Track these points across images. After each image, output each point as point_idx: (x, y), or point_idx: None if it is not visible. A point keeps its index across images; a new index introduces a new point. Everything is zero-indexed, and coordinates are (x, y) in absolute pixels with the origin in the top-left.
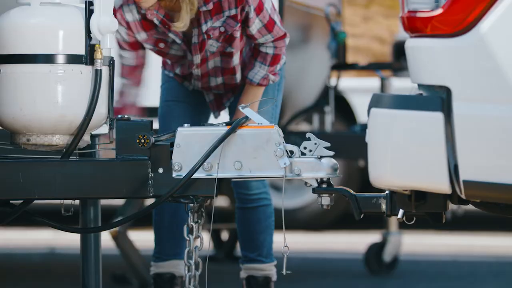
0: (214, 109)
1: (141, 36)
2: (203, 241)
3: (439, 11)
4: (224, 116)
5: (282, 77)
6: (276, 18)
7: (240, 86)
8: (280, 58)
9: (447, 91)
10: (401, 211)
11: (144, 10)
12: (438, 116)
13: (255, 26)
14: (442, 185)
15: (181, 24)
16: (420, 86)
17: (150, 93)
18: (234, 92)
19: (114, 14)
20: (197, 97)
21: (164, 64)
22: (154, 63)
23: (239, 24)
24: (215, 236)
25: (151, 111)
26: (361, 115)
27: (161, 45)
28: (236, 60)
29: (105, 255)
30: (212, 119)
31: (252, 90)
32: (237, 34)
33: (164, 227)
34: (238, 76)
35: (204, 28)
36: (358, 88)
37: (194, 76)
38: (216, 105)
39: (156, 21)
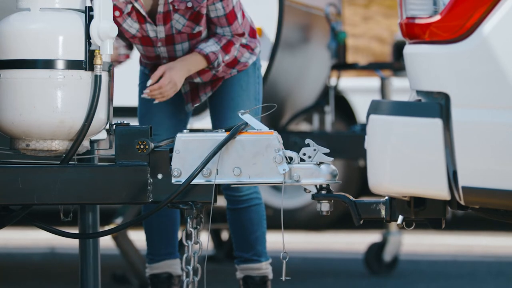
0: (188, 100)
1: None
2: (202, 247)
3: (437, 17)
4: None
5: (259, 70)
6: (239, 16)
7: (219, 81)
8: (232, 48)
9: (445, 97)
10: (400, 217)
11: None
12: (437, 123)
13: (215, 8)
14: (441, 192)
15: None
16: (419, 92)
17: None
18: (212, 86)
19: None
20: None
21: (140, 61)
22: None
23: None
24: (215, 236)
25: (131, 111)
26: (361, 115)
27: (116, 13)
28: (204, 35)
29: (105, 255)
30: (205, 121)
31: (195, 57)
32: (204, 10)
33: (153, 228)
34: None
35: None
36: (358, 88)
37: (161, 57)
38: (191, 97)
39: None
